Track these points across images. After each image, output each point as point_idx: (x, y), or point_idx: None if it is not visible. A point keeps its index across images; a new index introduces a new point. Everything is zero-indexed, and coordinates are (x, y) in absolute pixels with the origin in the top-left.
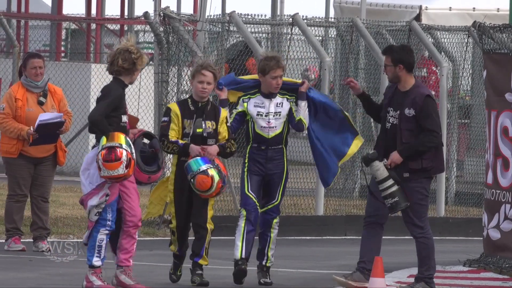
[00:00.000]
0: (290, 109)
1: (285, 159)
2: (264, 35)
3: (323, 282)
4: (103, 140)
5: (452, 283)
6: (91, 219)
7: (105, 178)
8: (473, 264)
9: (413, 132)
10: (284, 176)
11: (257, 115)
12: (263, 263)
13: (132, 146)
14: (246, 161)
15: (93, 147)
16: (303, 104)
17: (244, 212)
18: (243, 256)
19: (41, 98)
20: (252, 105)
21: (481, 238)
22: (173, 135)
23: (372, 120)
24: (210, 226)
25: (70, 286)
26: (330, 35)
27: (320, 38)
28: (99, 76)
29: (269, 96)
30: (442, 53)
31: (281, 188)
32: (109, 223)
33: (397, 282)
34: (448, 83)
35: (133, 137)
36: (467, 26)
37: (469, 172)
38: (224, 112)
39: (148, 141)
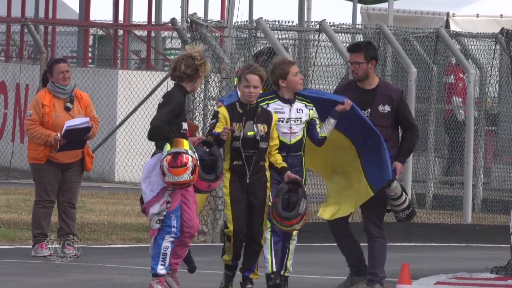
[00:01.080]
0: (313, 120)
1: (304, 167)
2: (291, 41)
3: None
4: (168, 146)
5: None
6: (152, 227)
7: (169, 184)
8: (500, 271)
9: (387, 128)
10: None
11: (279, 121)
12: (282, 273)
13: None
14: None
15: (153, 154)
16: (332, 122)
17: (268, 224)
18: (274, 269)
19: (68, 104)
20: (272, 110)
21: (509, 245)
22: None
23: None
24: (263, 241)
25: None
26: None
27: (347, 44)
28: (126, 83)
29: (289, 101)
30: (470, 60)
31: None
32: (174, 229)
33: None
34: (476, 90)
35: (193, 145)
36: (494, 33)
37: (496, 179)
38: (275, 116)
39: (207, 149)
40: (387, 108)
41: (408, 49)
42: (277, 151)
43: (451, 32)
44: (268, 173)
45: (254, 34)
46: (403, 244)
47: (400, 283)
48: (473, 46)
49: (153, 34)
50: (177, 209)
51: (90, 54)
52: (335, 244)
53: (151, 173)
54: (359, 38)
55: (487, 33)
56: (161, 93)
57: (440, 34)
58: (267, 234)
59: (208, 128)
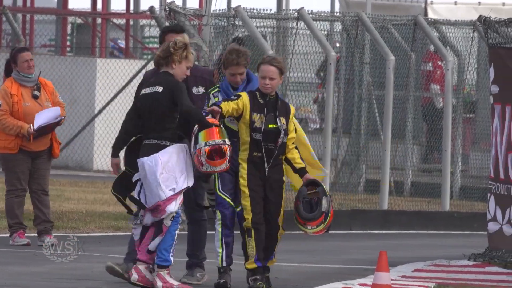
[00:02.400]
0: None
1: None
2: (269, 29)
3: (329, 276)
4: (202, 135)
5: (456, 277)
6: (166, 224)
7: (205, 172)
8: (478, 258)
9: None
10: None
11: None
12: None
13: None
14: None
15: (163, 147)
16: None
17: (219, 216)
18: (224, 264)
19: (36, 92)
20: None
21: (486, 232)
22: (225, 108)
23: (377, 115)
24: (280, 233)
25: (79, 279)
26: (335, 30)
27: (326, 32)
28: (104, 71)
29: (237, 90)
30: (448, 47)
31: None
32: (181, 216)
33: (402, 276)
34: (454, 78)
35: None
36: (472, 20)
37: (474, 166)
38: (293, 109)
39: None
40: (201, 90)
41: (386, 37)
42: (294, 145)
43: (429, 19)
44: (284, 167)
45: (233, 22)
46: (381, 231)
47: (378, 270)
48: (451, 34)
49: (131, 23)
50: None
51: (68, 43)
52: None
53: (164, 169)
54: (338, 26)
55: (465, 21)
56: (139, 81)
57: (418, 22)
58: (217, 226)
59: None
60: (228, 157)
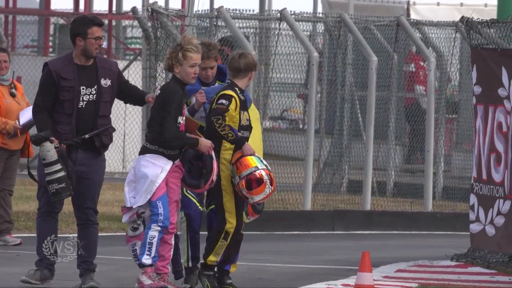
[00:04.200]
0: None
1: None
2: (252, 30)
3: (311, 277)
4: (234, 171)
5: (439, 278)
6: (128, 233)
7: (255, 203)
8: (461, 258)
9: (109, 103)
10: None
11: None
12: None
13: (264, 161)
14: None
15: (144, 148)
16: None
17: (184, 218)
18: (190, 265)
19: (13, 90)
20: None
21: (469, 233)
22: (227, 120)
23: (360, 115)
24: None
25: (60, 279)
26: (318, 30)
27: (308, 33)
28: None
29: (208, 84)
30: (430, 48)
31: None
32: (161, 218)
33: (385, 277)
34: (436, 79)
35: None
36: (454, 21)
37: (457, 167)
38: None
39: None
40: (108, 82)
41: (369, 38)
42: None
43: (412, 20)
44: None
45: (215, 23)
46: (363, 232)
47: (360, 270)
48: (433, 35)
49: (114, 23)
50: (163, 197)
51: (50, 43)
52: (296, 232)
53: (140, 180)
54: (320, 26)
55: (447, 22)
56: None
57: (401, 23)
58: (183, 228)
59: (217, 107)
60: (268, 181)
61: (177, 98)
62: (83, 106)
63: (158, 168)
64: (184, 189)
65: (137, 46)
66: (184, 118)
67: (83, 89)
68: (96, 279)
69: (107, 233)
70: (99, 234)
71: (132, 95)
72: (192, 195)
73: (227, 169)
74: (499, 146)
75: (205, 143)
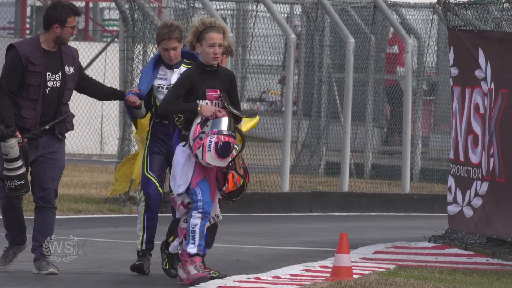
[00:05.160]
0: None
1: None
2: (229, 12)
3: (289, 258)
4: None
5: (417, 259)
6: (181, 226)
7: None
8: (438, 240)
9: (71, 91)
10: None
11: (158, 87)
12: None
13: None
14: (148, 138)
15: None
16: None
17: (143, 197)
18: (144, 247)
19: None
20: (155, 76)
21: (446, 214)
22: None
23: (337, 97)
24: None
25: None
26: (295, 12)
27: (286, 15)
28: None
29: (172, 66)
30: (408, 30)
31: None
32: (200, 204)
33: (363, 258)
34: (413, 60)
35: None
36: (432, 3)
37: (434, 148)
38: None
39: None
40: (71, 69)
41: (346, 20)
42: None
43: (389, 2)
44: None
45: (192, 5)
46: (341, 213)
47: (338, 252)
48: (410, 16)
49: (91, 5)
50: (201, 184)
51: (27, 25)
52: (274, 214)
53: (176, 169)
54: (297, 8)
55: (424, 3)
56: (99, 64)
57: (378, 4)
58: (140, 208)
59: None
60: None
61: (185, 78)
62: (47, 92)
63: (187, 155)
64: (145, 168)
65: (115, 28)
66: (208, 102)
67: (48, 74)
68: (52, 263)
69: (85, 215)
70: (77, 216)
71: (95, 89)
72: (152, 175)
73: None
74: (476, 128)
75: (207, 107)
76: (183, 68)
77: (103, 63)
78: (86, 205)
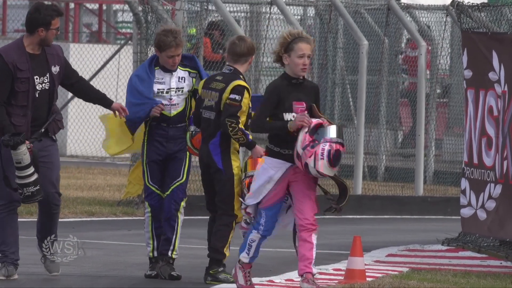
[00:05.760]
0: (195, 90)
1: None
2: (243, 14)
3: None
4: (248, 165)
5: (430, 262)
6: (242, 223)
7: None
8: (452, 243)
9: (57, 89)
10: (188, 154)
11: (158, 92)
12: (169, 254)
13: None
14: (145, 142)
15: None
16: None
17: (148, 208)
18: (156, 254)
19: None
20: (154, 80)
21: (460, 217)
22: (242, 120)
23: (351, 100)
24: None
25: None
26: (308, 14)
27: (299, 17)
28: (78, 56)
29: (170, 70)
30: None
31: (186, 166)
32: (261, 228)
33: (376, 261)
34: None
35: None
36: (445, 5)
37: (448, 151)
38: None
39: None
40: (57, 69)
41: (360, 22)
42: None
43: (402, 4)
44: None
45: (206, 7)
46: (355, 216)
47: (352, 255)
48: (424, 18)
49: (104, 7)
50: (270, 209)
51: None
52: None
53: (255, 182)
54: (311, 10)
55: (438, 5)
56: (113, 66)
57: (391, 6)
58: (147, 219)
59: (229, 103)
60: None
61: (272, 93)
62: (37, 96)
63: (268, 177)
64: (146, 179)
65: (128, 30)
66: (295, 115)
67: (36, 78)
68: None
69: (99, 218)
70: (91, 219)
71: (83, 88)
72: (154, 185)
73: (238, 159)
74: (490, 130)
75: (295, 120)
76: (180, 71)
77: (116, 65)
78: (100, 207)
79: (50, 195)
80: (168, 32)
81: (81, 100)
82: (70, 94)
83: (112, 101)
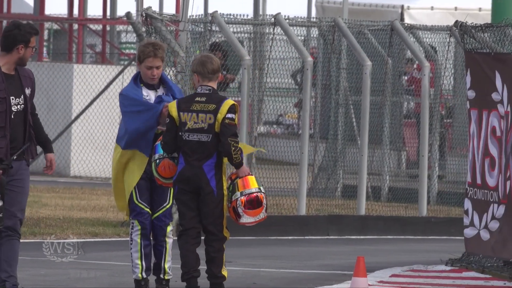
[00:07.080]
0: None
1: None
2: (246, 35)
3: (306, 282)
4: (239, 185)
5: (434, 283)
6: None
7: (243, 224)
8: (456, 263)
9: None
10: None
11: None
12: (161, 276)
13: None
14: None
15: None
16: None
17: (138, 226)
18: (144, 276)
19: None
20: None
21: (463, 238)
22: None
23: (354, 120)
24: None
25: (53, 286)
26: (312, 35)
27: (302, 38)
28: (81, 77)
29: (153, 86)
30: (424, 52)
31: (171, 188)
32: None
33: (380, 281)
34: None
35: None
36: (449, 26)
37: (451, 171)
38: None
39: None
40: (29, 91)
41: (363, 42)
42: None
43: (406, 24)
44: None
45: (209, 28)
46: (358, 237)
47: (355, 275)
48: (427, 39)
49: (108, 28)
50: None
51: (45, 49)
52: (291, 237)
53: None
54: (314, 31)
55: (441, 26)
56: (116, 87)
57: (395, 27)
58: (136, 237)
59: (229, 122)
60: (265, 206)
61: None
62: (13, 117)
63: None
64: (135, 198)
65: (132, 51)
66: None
67: (12, 99)
68: None
69: (102, 239)
70: (94, 240)
71: (35, 126)
72: (144, 204)
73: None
74: (493, 151)
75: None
76: (162, 89)
77: (120, 86)
78: (103, 228)
79: (13, 220)
80: (149, 44)
81: (85, 121)
82: (74, 115)
83: (52, 151)
